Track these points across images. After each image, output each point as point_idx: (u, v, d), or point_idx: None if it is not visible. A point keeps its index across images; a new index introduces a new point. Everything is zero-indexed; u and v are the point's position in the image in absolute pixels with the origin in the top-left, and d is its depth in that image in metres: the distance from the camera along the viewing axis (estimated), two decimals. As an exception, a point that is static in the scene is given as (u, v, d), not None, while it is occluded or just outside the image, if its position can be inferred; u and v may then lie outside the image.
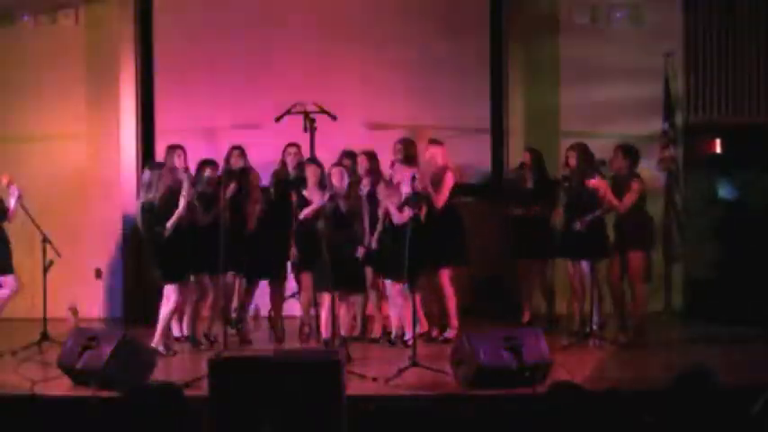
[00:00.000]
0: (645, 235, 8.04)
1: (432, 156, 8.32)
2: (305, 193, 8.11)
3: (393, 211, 7.88)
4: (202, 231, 7.97)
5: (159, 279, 7.87)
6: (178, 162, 8.22)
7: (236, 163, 8.35)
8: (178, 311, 8.14)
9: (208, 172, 8.18)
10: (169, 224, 7.69)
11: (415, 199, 7.55)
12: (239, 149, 8.45)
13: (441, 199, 8.17)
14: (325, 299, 7.67)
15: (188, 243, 7.87)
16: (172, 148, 8.35)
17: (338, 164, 7.96)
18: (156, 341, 7.72)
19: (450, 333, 8.25)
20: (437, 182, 8.19)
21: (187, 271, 7.92)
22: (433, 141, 8.51)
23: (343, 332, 7.46)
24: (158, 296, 7.88)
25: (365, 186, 8.25)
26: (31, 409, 6.17)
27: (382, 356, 7.87)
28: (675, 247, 9.09)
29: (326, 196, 7.58)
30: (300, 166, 8.47)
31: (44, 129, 9.78)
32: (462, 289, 8.72)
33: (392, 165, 8.26)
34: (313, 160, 8.37)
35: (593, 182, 7.94)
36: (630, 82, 9.53)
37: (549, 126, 9.63)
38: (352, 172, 8.25)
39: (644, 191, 8.09)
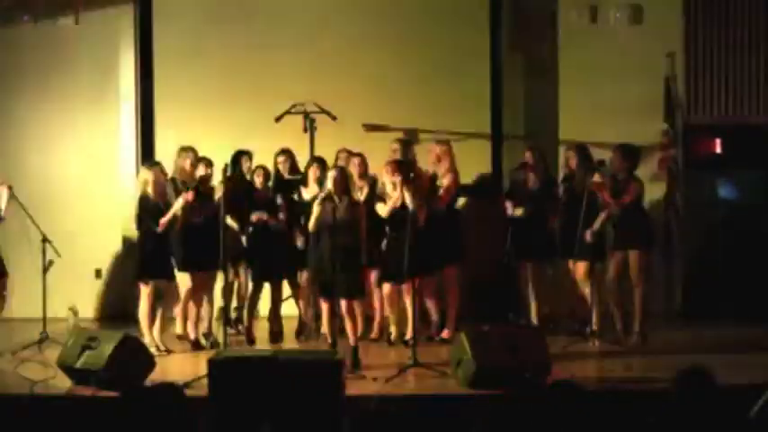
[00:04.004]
0: (643, 235, 8.03)
1: (437, 156, 8.35)
2: (303, 193, 8.13)
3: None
4: (196, 229, 7.97)
5: (132, 277, 7.92)
6: (184, 164, 8.24)
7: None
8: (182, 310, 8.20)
9: (201, 169, 8.19)
10: (162, 221, 7.72)
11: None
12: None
13: (442, 199, 8.20)
14: (325, 304, 7.64)
15: (167, 244, 7.91)
16: (183, 150, 8.36)
17: (336, 165, 7.90)
18: (147, 342, 7.72)
19: (446, 333, 8.25)
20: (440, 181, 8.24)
21: (161, 272, 7.92)
22: (439, 142, 8.54)
23: (351, 341, 7.42)
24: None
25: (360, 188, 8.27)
26: (31, 409, 6.18)
27: (382, 356, 7.88)
28: (675, 247, 9.08)
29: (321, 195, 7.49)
30: (293, 167, 8.49)
31: (44, 129, 9.77)
32: (463, 289, 8.72)
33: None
34: (316, 160, 8.37)
35: (597, 180, 7.94)
36: (630, 82, 9.51)
37: (549, 127, 9.62)
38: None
39: (642, 193, 8.08)
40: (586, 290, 8.31)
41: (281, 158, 8.60)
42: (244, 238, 8.36)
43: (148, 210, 7.80)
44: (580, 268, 8.29)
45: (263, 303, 8.71)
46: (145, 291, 7.83)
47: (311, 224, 7.55)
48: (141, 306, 7.87)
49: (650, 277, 8.16)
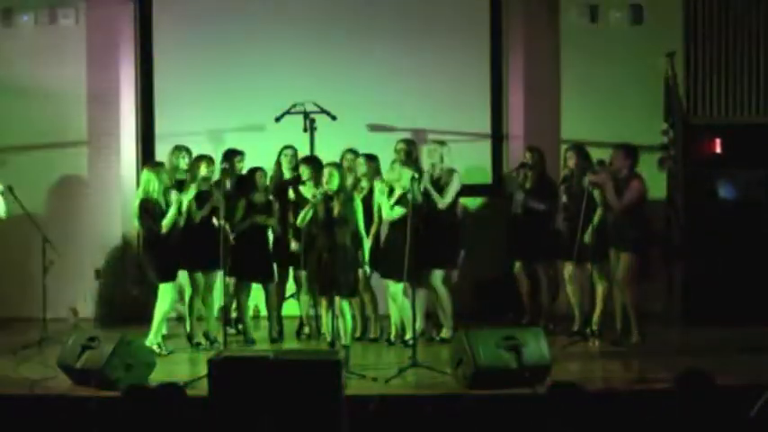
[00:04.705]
0: (636, 238, 7.97)
1: (438, 157, 8.34)
2: (301, 189, 8.13)
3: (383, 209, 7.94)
4: (196, 229, 7.97)
5: (153, 279, 7.88)
6: (179, 163, 8.23)
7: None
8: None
9: (202, 168, 8.17)
10: (164, 223, 7.71)
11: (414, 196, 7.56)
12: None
13: (446, 200, 8.19)
14: (324, 303, 7.64)
15: (180, 242, 7.88)
16: (177, 149, 8.34)
17: (333, 163, 7.87)
18: (150, 340, 7.72)
19: (446, 333, 8.25)
20: (444, 183, 8.22)
21: (179, 270, 7.93)
22: (438, 142, 8.53)
23: (344, 340, 7.41)
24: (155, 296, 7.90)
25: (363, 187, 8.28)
26: (31, 409, 6.18)
27: (382, 356, 7.88)
28: (675, 248, 9.07)
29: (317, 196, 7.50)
30: (297, 166, 8.50)
31: (44, 129, 9.76)
32: (463, 289, 8.73)
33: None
34: (308, 159, 8.35)
35: (594, 177, 7.94)
36: (630, 82, 9.53)
37: (549, 127, 9.62)
38: (350, 172, 8.30)
39: (645, 190, 8.07)
40: (579, 290, 8.31)
41: (289, 151, 8.62)
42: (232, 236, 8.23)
43: (149, 210, 7.78)
44: (580, 269, 8.28)
45: (263, 303, 8.73)
46: (167, 290, 7.80)
47: (299, 221, 7.58)
48: (161, 305, 7.79)
49: (646, 278, 8.13)
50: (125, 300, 9.56)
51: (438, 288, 8.24)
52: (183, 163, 8.21)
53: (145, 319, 7.98)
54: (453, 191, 8.27)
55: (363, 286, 8.25)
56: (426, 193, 8.10)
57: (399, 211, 7.72)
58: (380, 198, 8.06)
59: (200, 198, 8.01)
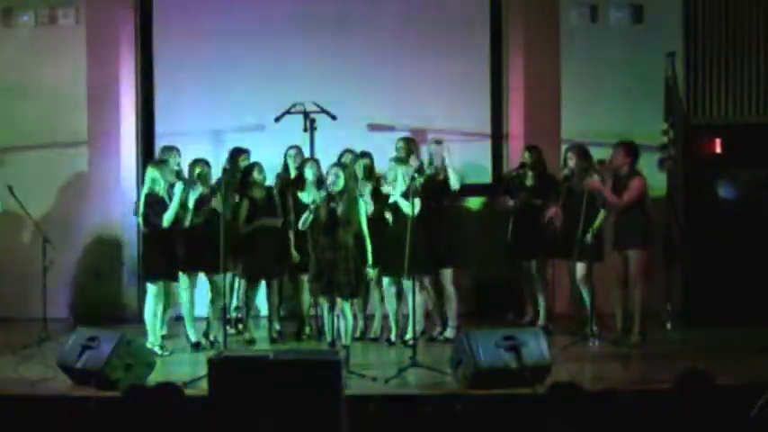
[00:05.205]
0: (644, 234, 8.02)
1: (439, 158, 8.34)
2: (300, 193, 8.15)
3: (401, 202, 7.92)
4: (196, 229, 7.97)
5: (143, 277, 7.90)
6: (172, 163, 8.23)
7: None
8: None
9: (197, 170, 8.15)
10: (165, 216, 7.70)
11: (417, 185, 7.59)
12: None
13: (458, 181, 8.21)
14: (325, 303, 7.65)
15: (174, 244, 7.88)
16: (167, 149, 8.35)
17: (336, 164, 7.86)
18: (150, 342, 7.72)
19: (450, 333, 8.25)
20: (442, 178, 8.23)
21: (167, 271, 7.91)
22: (437, 140, 8.53)
23: (344, 340, 7.41)
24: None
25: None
26: (31, 409, 6.18)
27: (382, 356, 7.88)
28: (675, 248, 9.07)
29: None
30: (301, 165, 8.49)
31: (44, 129, 9.76)
32: (463, 289, 8.72)
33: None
34: (310, 159, 8.37)
35: (592, 183, 7.95)
36: (630, 82, 9.53)
37: (550, 127, 9.62)
38: (351, 173, 8.31)
39: (646, 189, 8.08)
40: (585, 290, 8.31)
41: (292, 151, 8.63)
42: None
43: (153, 206, 7.77)
44: (580, 269, 8.28)
45: (263, 303, 8.72)
46: (152, 290, 7.82)
47: (301, 224, 7.57)
48: (148, 305, 7.84)
49: (650, 277, 8.15)
50: (123, 299, 9.59)
51: (447, 288, 8.25)
52: (174, 163, 8.21)
53: (140, 318, 7.99)
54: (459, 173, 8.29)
55: (375, 285, 8.26)
56: (432, 178, 8.11)
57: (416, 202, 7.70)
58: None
59: (198, 200, 8.01)
